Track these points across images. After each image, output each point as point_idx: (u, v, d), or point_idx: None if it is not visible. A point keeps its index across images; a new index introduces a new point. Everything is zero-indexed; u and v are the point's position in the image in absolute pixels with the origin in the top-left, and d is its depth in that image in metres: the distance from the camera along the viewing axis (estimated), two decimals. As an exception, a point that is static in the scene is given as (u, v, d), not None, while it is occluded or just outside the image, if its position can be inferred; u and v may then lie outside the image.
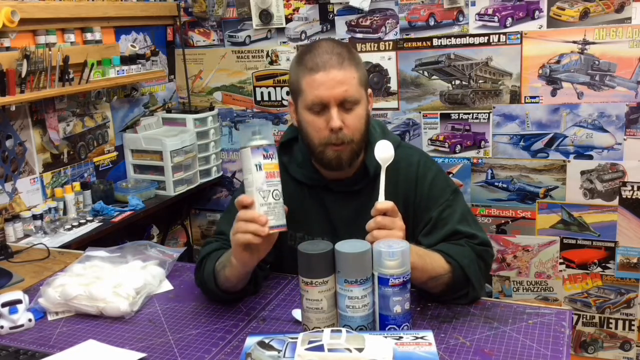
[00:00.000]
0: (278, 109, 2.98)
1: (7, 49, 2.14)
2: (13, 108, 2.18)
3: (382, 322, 1.15)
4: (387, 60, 2.68)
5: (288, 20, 2.83)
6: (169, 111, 3.03)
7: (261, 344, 1.06)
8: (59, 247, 2.05)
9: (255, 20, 2.87)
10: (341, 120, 1.33)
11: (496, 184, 2.63)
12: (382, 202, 1.20)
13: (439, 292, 1.29)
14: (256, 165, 1.15)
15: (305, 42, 2.81)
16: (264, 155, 1.15)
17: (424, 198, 1.43)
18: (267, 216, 1.15)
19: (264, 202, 1.15)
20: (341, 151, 1.36)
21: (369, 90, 1.44)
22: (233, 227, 1.19)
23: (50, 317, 1.39)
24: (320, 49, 1.36)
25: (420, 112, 2.68)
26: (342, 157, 1.36)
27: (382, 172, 1.25)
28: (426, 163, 1.47)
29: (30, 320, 1.35)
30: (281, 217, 1.17)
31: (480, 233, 1.37)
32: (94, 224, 2.34)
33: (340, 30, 2.74)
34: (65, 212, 2.40)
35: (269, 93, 2.97)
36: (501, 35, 2.47)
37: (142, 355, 1.19)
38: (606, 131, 2.40)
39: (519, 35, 2.44)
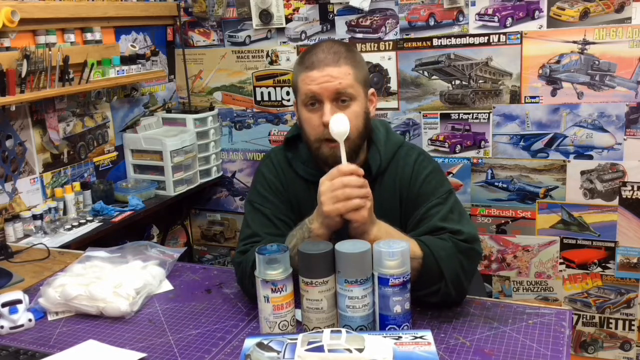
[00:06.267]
0: (278, 109, 2.98)
1: (7, 49, 2.14)
2: (13, 108, 2.18)
3: (382, 322, 1.15)
4: (387, 60, 2.68)
5: (288, 20, 2.82)
6: (169, 111, 3.02)
7: (260, 345, 1.06)
8: (59, 247, 2.05)
9: (255, 20, 2.87)
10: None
11: (496, 184, 2.62)
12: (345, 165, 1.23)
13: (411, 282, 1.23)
14: (264, 297, 1.16)
15: (305, 42, 2.81)
16: (272, 289, 1.15)
17: (415, 195, 1.42)
18: None
19: (270, 332, 1.17)
20: (336, 148, 1.34)
21: (371, 90, 1.45)
22: (326, 195, 1.21)
23: (50, 317, 1.39)
24: (319, 49, 1.39)
25: (420, 112, 2.68)
26: (338, 154, 1.35)
27: (341, 145, 1.27)
28: (423, 161, 1.47)
29: (30, 320, 1.35)
30: None
31: (466, 229, 1.32)
32: (94, 224, 2.34)
33: (340, 30, 2.73)
34: (65, 212, 2.40)
35: (269, 93, 2.97)
36: (501, 35, 2.47)
37: (142, 355, 1.19)
38: (606, 131, 2.40)
39: (519, 35, 2.44)
